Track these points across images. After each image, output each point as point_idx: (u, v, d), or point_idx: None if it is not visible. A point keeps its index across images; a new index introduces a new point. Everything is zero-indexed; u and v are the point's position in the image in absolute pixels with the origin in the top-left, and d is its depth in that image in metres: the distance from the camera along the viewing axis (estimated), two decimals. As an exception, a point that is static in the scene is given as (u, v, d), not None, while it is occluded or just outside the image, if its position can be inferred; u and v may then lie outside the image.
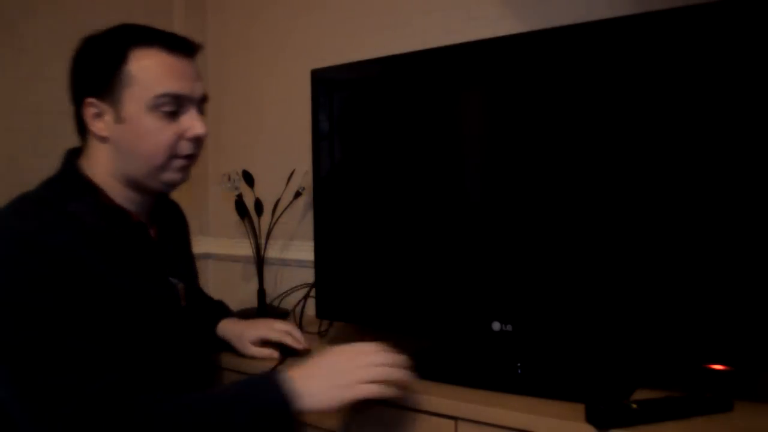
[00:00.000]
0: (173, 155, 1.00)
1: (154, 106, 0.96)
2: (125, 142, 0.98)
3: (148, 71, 0.96)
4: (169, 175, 1.01)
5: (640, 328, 1.03)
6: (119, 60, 0.96)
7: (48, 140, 1.65)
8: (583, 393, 1.02)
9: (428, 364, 1.20)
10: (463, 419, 1.03)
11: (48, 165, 1.64)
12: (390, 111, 1.27)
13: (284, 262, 1.81)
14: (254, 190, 1.74)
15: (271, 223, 1.73)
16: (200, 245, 1.93)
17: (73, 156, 1.04)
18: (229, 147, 1.95)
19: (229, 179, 1.72)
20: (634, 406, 0.90)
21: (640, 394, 1.03)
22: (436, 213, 1.21)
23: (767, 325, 0.93)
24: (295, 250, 1.79)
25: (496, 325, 1.15)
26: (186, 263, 1.18)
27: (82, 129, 1.03)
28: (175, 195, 1.88)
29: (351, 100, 1.34)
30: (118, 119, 0.97)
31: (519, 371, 1.14)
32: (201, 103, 1.03)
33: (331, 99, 1.35)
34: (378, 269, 1.29)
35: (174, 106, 0.97)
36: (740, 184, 0.94)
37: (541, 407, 0.99)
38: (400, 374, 0.96)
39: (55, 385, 0.82)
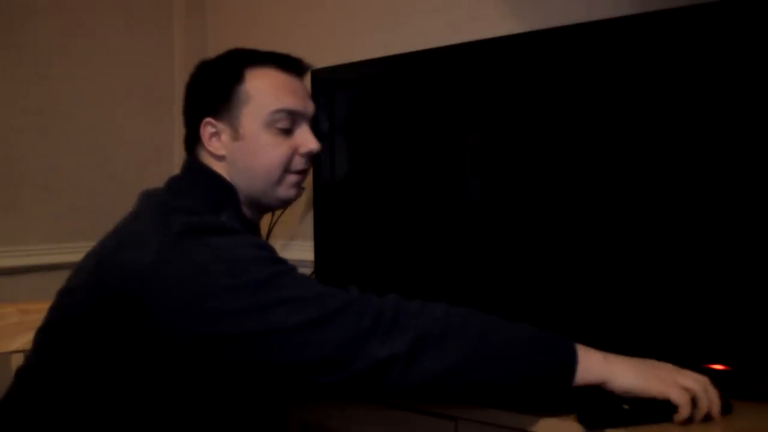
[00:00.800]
0: (287, 170, 1.04)
1: (270, 122, 1.00)
2: (242, 159, 1.02)
3: (264, 89, 1.01)
4: (284, 191, 1.05)
5: (639, 328, 1.03)
6: (235, 79, 1.01)
7: (48, 140, 1.65)
8: (583, 393, 1.02)
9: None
10: (463, 419, 1.03)
11: (48, 165, 1.65)
12: (390, 111, 1.28)
13: (284, 262, 1.81)
14: (254, 190, 1.74)
15: (271, 223, 1.72)
16: (200, 245, 1.92)
17: (204, 166, 1.04)
18: (229, 147, 1.95)
19: (229, 179, 1.72)
20: (626, 407, 0.89)
21: (640, 394, 1.03)
22: (436, 213, 1.22)
23: (767, 326, 0.93)
24: (295, 250, 1.79)
25: (496, 325, 1.15)
26: None
27: (191, 148, 1.06)
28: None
29: (351, 101, 1.34)
30: (236, 137, 1.01)
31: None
32: (312, 120, 1.07)
33: (331, 99, 1.35)
34: (378, 269, 1.29)
35: (288, 122, 1.02)
36: (740, 185, 0.94)
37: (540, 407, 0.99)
38: (711, 404, 0.88)
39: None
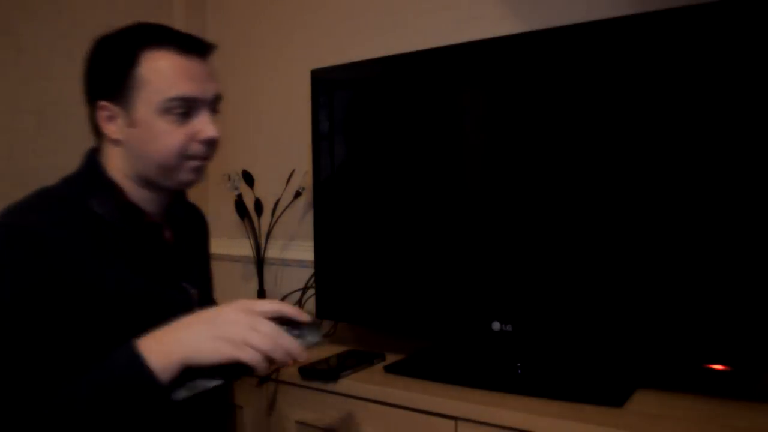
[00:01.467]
0: (185, 157, 1.00)
1: (165, 110, 0.96)
2: (137, 145, 0.98)
3: (159, 74, 0.96)
4: (183, 176, 1.01)
5: (640, 329, 1.03)
6: (130, 62, 0.96)
7: (48, 140, 1.65)
8: (583, 393, 1.02)
9: (428, 364, 1.20)
10: (463, 419, 1.03)
11: (48, 165, 1.64)
12: (390, 111, 1.27)
13: (284, 262, 1.81)
14: (254, 190, 1.74)
15: (271, 223, 1.73)
16: (200, 245, 1.92)
17: (95, 154, 1.04)
18: (229, 147, 1.95)
19: (229, 179, 1.72)
20: (215, 383, 0.85)
21: (641, 395, 1.04)
22: (436, 213, 1.21)
23: (767, 326, 0.93)
24: (295, 250, 1.79)
25: (496, 325, 1.15)
26: (201, 269, 1.16)
27: (97, 130, 1.03)
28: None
29: (351, 100, 1.34)
30: (130, 123, 0.97)
31: (519, 371, 1.14)
32: (214, 103, 1.03)
33: (331, 99, 1.35)
34: (378, 269, 1.29)
35: (185, 108, 0.97)
36: (740, 186, 0.94)
37: (541, 407, 0.99)
38: (287, 354, 0.86)
39: None
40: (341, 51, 1.67)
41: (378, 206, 1.29)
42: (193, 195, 1.94)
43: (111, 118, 0.99)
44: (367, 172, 1.31)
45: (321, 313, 1.38)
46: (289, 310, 0.89)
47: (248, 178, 1.73)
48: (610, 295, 1.05)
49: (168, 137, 0.97)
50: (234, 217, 1.79)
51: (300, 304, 1.52)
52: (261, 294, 1.72)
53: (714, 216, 0.96)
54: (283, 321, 0.89)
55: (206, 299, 1.12)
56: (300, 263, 1.77)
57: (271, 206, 1.72)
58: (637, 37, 1.01)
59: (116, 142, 1.00)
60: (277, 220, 1.72)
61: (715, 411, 0.97)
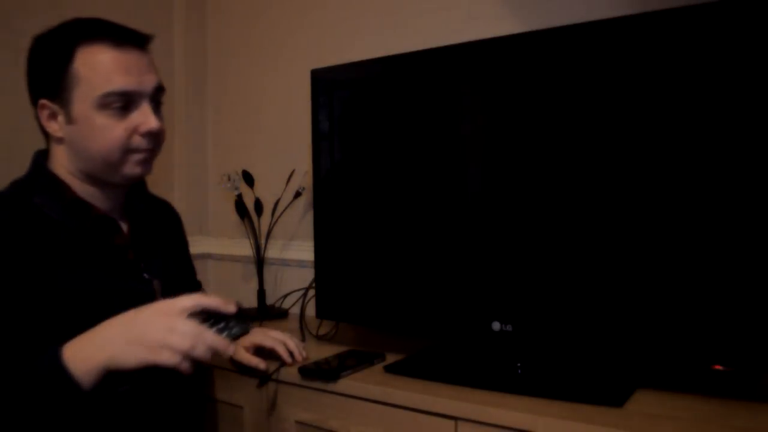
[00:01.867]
0: (128, 150, 0.99)
1: (102, 105, 0.95)
2: (78, 142, 0.98)
3: (94, 69, 0.95)
4: (128, 170, 1.00)
5: (640, 329, 1.03)
6: (66, 60, 0.96)
7: (48, 140, 1.65)
8: (583, 393, 1.02)
9: (428, 364, 1.20)
10: (463, 419, 1.03)
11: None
12: (390, 111, 1.27)
13: (284, 262, 1.81)
14: (254, 190, 1.74)
15: (271, 223, 1.73)
16: (200, 245, 1.93)
17: (42, 155, 1.05)
18: (229, 147, 1.95)
19: (229, 179, 1.72)
20: (125, 387, 0.87)
21: (641, 395, 1.04)
22: (436, 213, 1.21)
23: (767, 326, 0.93)
24: (295, 250, 1.79)
25: (496, 325, 1.15)
26: (169, 261, 1.14)
27: (41, 129, 1.03)
28: (175, 195, 1.89)
29: (351, 100, 1.34)
30: (69, 120, 0.97)
31: (519, 371, 1.14)
32: (156, 95, 1.01)
33: (331, 99, 1.35)
34: (378, 269, 1.29)
35: (123, 102, 0.96)
36: (741, 186, 0.94)
37: (541, 407, 0.99)
38: (210, 349, 0.85)
39: None
40: (341, 51, 1.67)
41: (378, 206, 1.29)
42: (193, 195, 1.95)
43: (52, 116, 0.99)
44: (367, 172, 1.31)
45: (321, 313, 1.38)
46: (210, 302, 0.87)
47: (248, 178, 1.73)
48: (610, 295, 1.05)
49: (108, 132, 0.96)
50: (234, 217, 1.79)
51: (303, 304, 1.51)
52: (261, 294, 1.73)
53: (713, 215, 0.96)
54: (209, 314, 0.87)
55: (175, 289, 1.08)
56: (300, 263, 1.77)
57: (271, 206, 1.72)
58: (637, 37, 1.01)
59: (59, 140, 1.00)
60: (277, 220, 1.72)
61: (715, 411, 0.97)
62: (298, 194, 1.70)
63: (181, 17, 1.94)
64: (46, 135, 1.03)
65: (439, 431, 1.06)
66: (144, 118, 0.98)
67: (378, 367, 1.22)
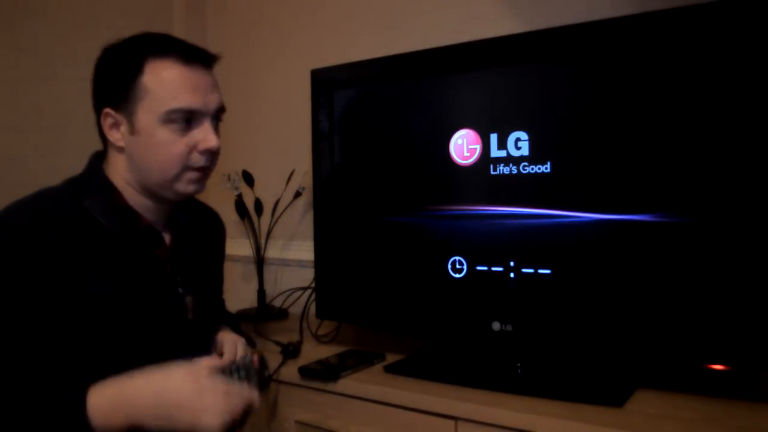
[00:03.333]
0: (186, 167, 1.01)
1: (167, 120, 0.97)
2: (139, 154, 1.00)
3: (162, 84, 0.97)
4: (182, 187, 1.02)
5: (640, 328, 1.03)
6: (134, 72, 0.97)
7: (48, 140, 1.65)
8: (583, 393, 1.02)
9: (428, 364, 1.20)
10: (463, 419, 1.03)
11: (48, 165, 1.64)
12: (390, 111, 1.28)
13: (284, 262, 1.81)
14: (254, 190, 1.74)
15: (271, 223, 1.73)
16: (200, 245, 1.92)
17: (98, 158, 1.06)
18: (229, 147, 1.95)
19: (229, 179, 1.72)
20: None
21: (641, 395, 1.04)
22: (436, 213, 1.21)
23: (767, 326, 0.93)
24: (295, 250, 1.79)
25: (496, 325, 1.15)
26: (204, 276, 1.14)
27: (101, 135, 1.04)
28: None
29: (351, 100, 1.34)
30: (132, 130, 0.99)
31: (519, 371, 1.14)
32: (217, 114, 1.04)
33: (331, 99, 1.35)
34: (378, 269, 1.29)
35: (186, 119, 0.98)
36: (740, 186, 0.94)
37: (541, 407, 0.99)
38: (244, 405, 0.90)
39: None
40: (341, 51, 1.67)
41: (378, 206, 1.29)
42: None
43: (115, 126, 1.00)
44: (367, 171, 1.31)
45: (321, 313, 1.38)
46: (223, 360, 0.97)
47: (248, 178, 1.73)
48: (609, 295, 1.05)
49: (169, 147, 0.98)
50: (234, 217, 1.79)
51: (306, 304, 1.51)
52: (261, 294, 1.72)
53: (713, 215, 0.96)
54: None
55: (206, 306, 1.11)
56: (300, 263, 1.77)
57: (271, 206, 1.72)
58: (638, 38, 1.01)
59: (120, 150, 1.01)
60: (277, 220, 1.72)
61: (715, 411, 0.97)
62: (298, 194, 1.70)
63: (181, 18, 1.94)
64: (104, 140, 1.04)
65: (439, 431, 1.06)
66: (205, 135, 1.00)
67: (378, 367, 1.22)
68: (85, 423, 0.84)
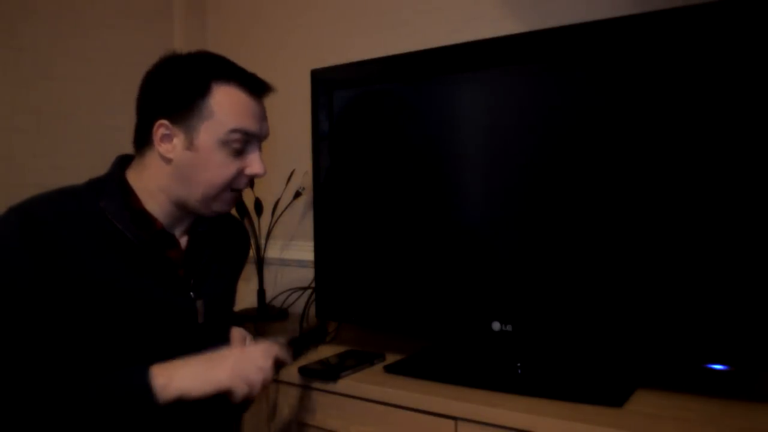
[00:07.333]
0: (229, 188, 1.05)
1: (226, 141, 1.01)
2: (190, 169, 1.02)
3: (227, 108, 1.01)
4: (218, 205, 1.06)
5: (639, 328, 1.03)
6: (202, 92, 1.01)
7: (48, 140, 1.65)
8: (583, 393, 1.02)
9: (428, 364, 1.20)
10: (463, 419, 1.03)
11: (48, 165, 1.65)
12: (390, 111, 1.28)
13: (284, 262, 1.81)
14: (254, 190, 1.74)
15: (271, 223, 1.73)
16: (200, 245, 1.92)
17: (121, 161, 1.08)
18: (229, 147, 1.95)
19: (229, 179, 1.72)
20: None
21: (641, 395, 1.04)
22: (436, 213, 1.22)
23: (767, 325, 0.93)
24: (295, 250, 1.79)
25: (496, 325, 1.15)
26: (220, 283, 1.15)
27: (142, 141, 1.05)
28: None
29: (351, 100, 1.34)
30: (189, 146, 1.01)
31: (519, 371, 1.14)
32: (262, 140, 1.09)
33: (331, 99, 1.35)
34: (378, 269, 1.29)
35: (243, 143, 1.03)
36: (740, 185, 0.94)
37: (541, 407, 0.99)
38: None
39: None
40: (341, 51, 1.67)
41: (378, 206, 1.29)
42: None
43: (167, 137, 1.02)
44: (367, 172, 1.31)
45: (321, 313, 1.38)
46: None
47: (248, 178, 1.73)
48: (609, 294, 1.05)
49: (222, 168, 1.02)
50: (234, 217, 1.79)
51: (306, 304, 1.51)
52: (261, 294, 1.72)
53: (713, 215, 0.96)
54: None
55: (217, 312, 1.12)
56: (300, 263, 1.77)
57: (271, 206, 1.72)
58: (638, 38, 1.01)
59: (167, 160, 1.03)
60: (277, 220, 1.72)
61: (715, 411, 0.97)
62: (298, 194, 1.70)
63: (181, 17, 1.94)
64: (140, 145, 1.06)
65: (439, 431, 1.06)
66: (254, 161, 1.06)
67: (378, 367, 1.22)
68: (152, 395, 0.89)
